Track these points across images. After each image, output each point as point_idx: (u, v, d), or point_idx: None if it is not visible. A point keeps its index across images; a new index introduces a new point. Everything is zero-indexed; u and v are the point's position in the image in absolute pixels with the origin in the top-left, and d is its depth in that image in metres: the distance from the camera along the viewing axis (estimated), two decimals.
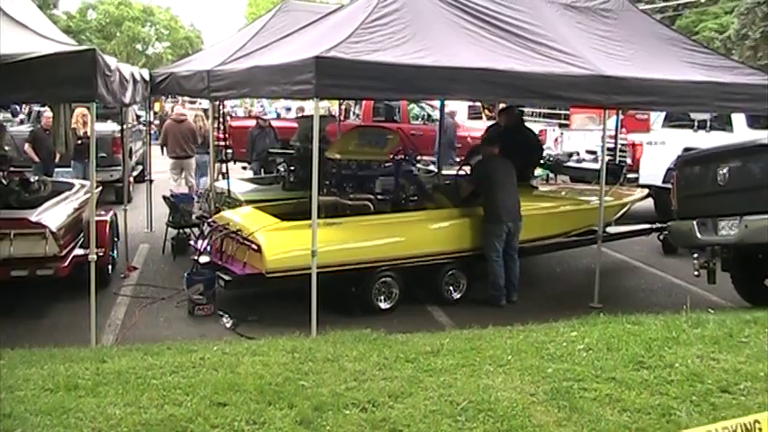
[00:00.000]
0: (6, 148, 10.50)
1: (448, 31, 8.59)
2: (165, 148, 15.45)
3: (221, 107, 13.19)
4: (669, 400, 5.12)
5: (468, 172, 10.36)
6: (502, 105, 12.03)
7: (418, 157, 11.86)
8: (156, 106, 25.98)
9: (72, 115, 13.71)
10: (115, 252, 10.29)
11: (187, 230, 11.37)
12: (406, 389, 5.31)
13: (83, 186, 10.23)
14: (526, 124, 12.23)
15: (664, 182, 13.45)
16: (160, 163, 16.55)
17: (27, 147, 13.55)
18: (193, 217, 11.43)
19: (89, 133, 8.61)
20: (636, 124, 15.16)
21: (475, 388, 5.33)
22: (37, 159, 13.50)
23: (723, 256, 8.91)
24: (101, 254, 8.32)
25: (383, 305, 8.75)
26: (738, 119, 14.16)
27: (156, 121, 22.21)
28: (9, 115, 22.55)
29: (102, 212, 9.71)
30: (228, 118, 19.43)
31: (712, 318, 7.31)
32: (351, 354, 6.22)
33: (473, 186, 9.62)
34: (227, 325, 8.22)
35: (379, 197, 9.62)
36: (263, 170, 15.32)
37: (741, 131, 13.88)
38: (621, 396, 5.20)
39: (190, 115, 16.07)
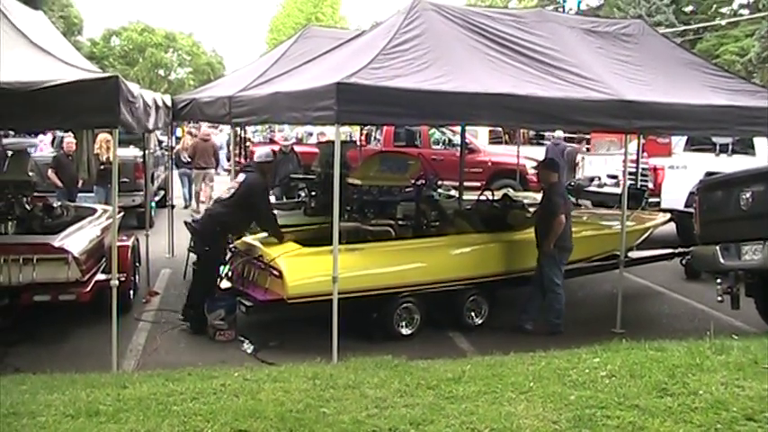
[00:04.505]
0: (30, 173, 10.57)
1: (469, 56, 8.61)
2: (192, 161, 18.03)
3: (243, 133, 13.34)
4: (693, 429, 5.05)
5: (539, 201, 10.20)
6: None
7: (439, 182, 11.83)
8: (179, 131, 26.20)
9: (95, 141, 13.89)
10: (137, 277, 10.34)
11: None
12: (428, 416, 5.28)
13: (105, 211, 10.28)
14: None
15: (686, 206, 13.36)
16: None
17: (50, 172, 13.66)
18: None
19: (111, 159, 8.67)
20: (657, 148, 15.10)
21: (497, 415, 5.28)
22: (60, 185, 13.60)
23: (747, 280, 8.83)
24: (122, 279, 8.35)
25: (404, 331, 8.71)
26: (761, 142, 14.09)
27: (179, 146, 22.46)
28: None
29: (124, 237, 9.75)
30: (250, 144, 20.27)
31: (736, 344, 7.22)
32: (372, 380, 6.20)
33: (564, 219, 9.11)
34: (248, 350, 8.21)
35: (401, 223, 9.61)
36: (284, 196, 15.35)
37: (764, 155, 13.81)
38: (645, 424, 5.13)
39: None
